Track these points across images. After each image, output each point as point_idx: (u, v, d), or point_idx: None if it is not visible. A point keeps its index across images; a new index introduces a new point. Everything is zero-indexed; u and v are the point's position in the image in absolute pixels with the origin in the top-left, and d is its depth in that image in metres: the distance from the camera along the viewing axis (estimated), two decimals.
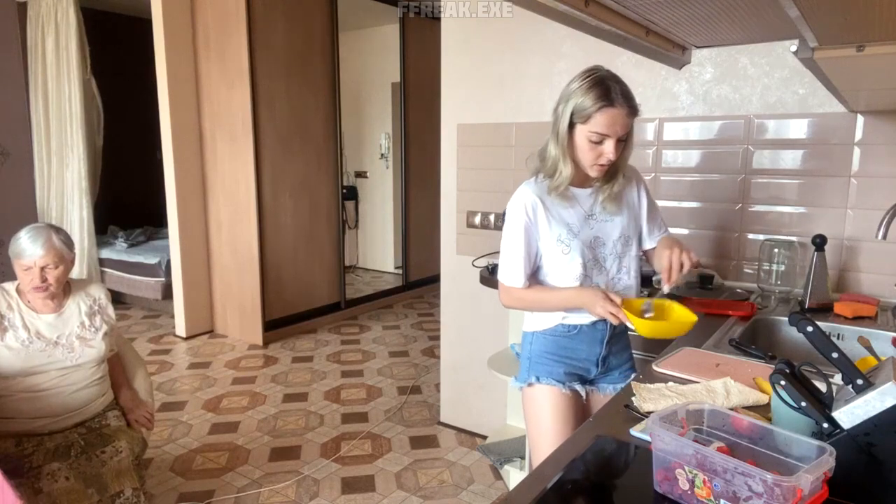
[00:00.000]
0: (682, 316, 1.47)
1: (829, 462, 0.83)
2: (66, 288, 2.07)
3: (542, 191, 1.56)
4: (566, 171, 1.51)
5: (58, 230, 1.98)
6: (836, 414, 0.92)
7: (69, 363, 1.96)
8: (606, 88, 1.43)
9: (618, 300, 1.46)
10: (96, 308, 2.09)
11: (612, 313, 1.46)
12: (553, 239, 1.55)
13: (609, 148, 1.46)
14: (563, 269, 1.57)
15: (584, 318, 1.61)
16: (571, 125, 1.48)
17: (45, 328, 1.97)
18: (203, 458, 2.81)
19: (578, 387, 1.64)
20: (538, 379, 1.63)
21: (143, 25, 4.62)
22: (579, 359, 1.64)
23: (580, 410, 1.65)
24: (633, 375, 1.54)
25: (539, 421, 1.63)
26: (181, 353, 4.25)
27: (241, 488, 2.57)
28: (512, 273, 1.59)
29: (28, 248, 1.89)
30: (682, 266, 1.47)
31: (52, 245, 1.92)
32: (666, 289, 1.48)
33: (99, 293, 2.14)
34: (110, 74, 5.47)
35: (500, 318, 2.82)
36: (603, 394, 1.68)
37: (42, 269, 1.90)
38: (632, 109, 1.45)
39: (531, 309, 1.66)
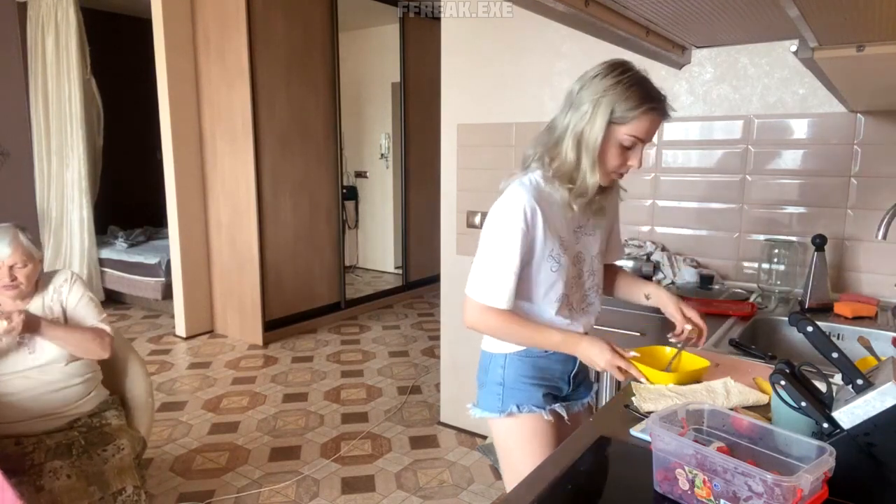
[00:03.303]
0: (697, 363, 1.41)
1: (829, 462, 0.83)
2: (36, 287, 2.01)
3: (540, 195, 1.34)
4: (592, 179, 1.30)
5: (23, 229, 1.96)
6: (836, 414, 0.92)
7: (31, 364, 1.90)
8: (649, 89, 1.29)
9: (626, 354, 1.32)
10: (57, 298, 2.00)
11: (619, 368, 1.30)
12: (546, 253, 1.36)
13: (637, 155, 1.31)
14: (547, 287, 1.40)
15: None
16: (607, 125, 1.28)
17: None
18: (203, 458, 2.81)
19: (558, 407, 1.51)
20: (519, 408, 1.46)
21: (143, 25, 4.62)
22: (553, 378, 1.51)
23: (559, 433, 1.51)
24: (594, 386, 1.50)
25: (524, 453, 1.47)
26: (181, 353, 4.25)
27: (241, 488, 2.57)
28: (496, 291, 1.34)
29: None
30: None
31: (19, 243, 1.90)
32: (681, 345, 1.44)
33: (61, 280, 2.03)
34: (110, 74, 5.47)
35: None
36: (574, 411, 1.57)
37: (10, 267, 1.88)
38: (668, 115, 1.33)
39: (501, 338, 1.45)
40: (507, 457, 1.54)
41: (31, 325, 1.84)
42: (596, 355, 1.33)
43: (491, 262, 1.35)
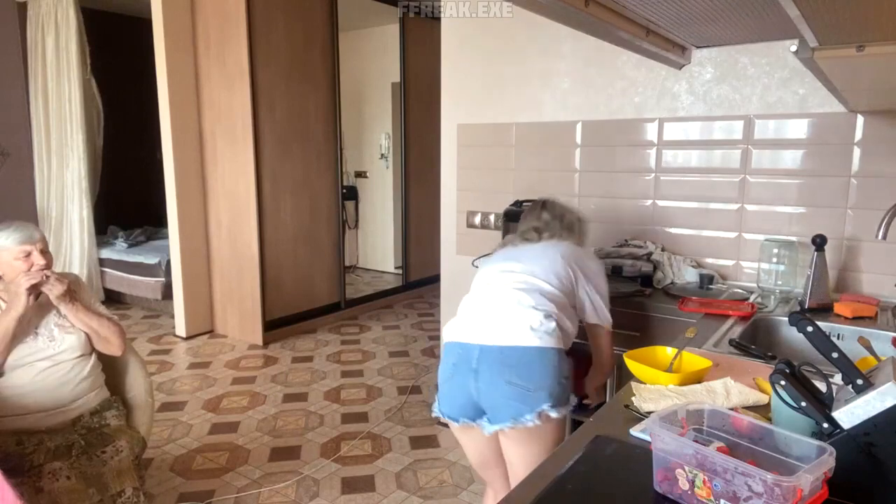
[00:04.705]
0: (698, 363, 1.40)
1: (829, 462, 0.83)
2: None
3: None
4: None
5: None
6: (836, 414, 0.92)
7: (51, 352, 1.95)
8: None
9: None
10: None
11: None
12: None
13: None
14: None
15: None
16: None
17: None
18: (203, 458, 2.81)
19: None
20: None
21: (143, 25, 4.61)
22: None
23: None
24: None
25: (561, 440, 1.62)
26: (181, 353, 4.25)
27: (241, 488, 2.57)
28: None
29: (24, 233, 1.92)
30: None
31: (40, 230, 2.01)
32: None
33: (71, 277, 2.11)
34: (110, 74, 5.47)
35: None
36: None
37: (42, 251, 1.94)
38: None
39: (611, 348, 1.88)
40: (548, 451, 1.56)
41: (72, 295, 1.97)
42: None
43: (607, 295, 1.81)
